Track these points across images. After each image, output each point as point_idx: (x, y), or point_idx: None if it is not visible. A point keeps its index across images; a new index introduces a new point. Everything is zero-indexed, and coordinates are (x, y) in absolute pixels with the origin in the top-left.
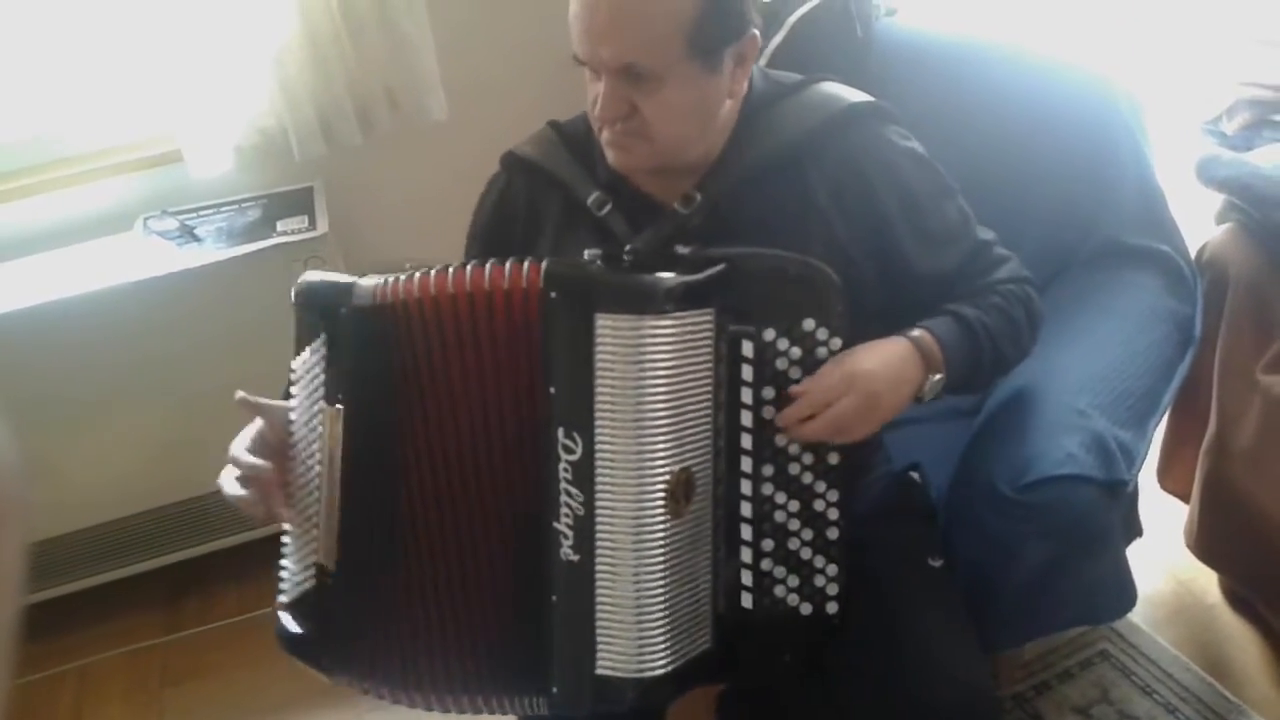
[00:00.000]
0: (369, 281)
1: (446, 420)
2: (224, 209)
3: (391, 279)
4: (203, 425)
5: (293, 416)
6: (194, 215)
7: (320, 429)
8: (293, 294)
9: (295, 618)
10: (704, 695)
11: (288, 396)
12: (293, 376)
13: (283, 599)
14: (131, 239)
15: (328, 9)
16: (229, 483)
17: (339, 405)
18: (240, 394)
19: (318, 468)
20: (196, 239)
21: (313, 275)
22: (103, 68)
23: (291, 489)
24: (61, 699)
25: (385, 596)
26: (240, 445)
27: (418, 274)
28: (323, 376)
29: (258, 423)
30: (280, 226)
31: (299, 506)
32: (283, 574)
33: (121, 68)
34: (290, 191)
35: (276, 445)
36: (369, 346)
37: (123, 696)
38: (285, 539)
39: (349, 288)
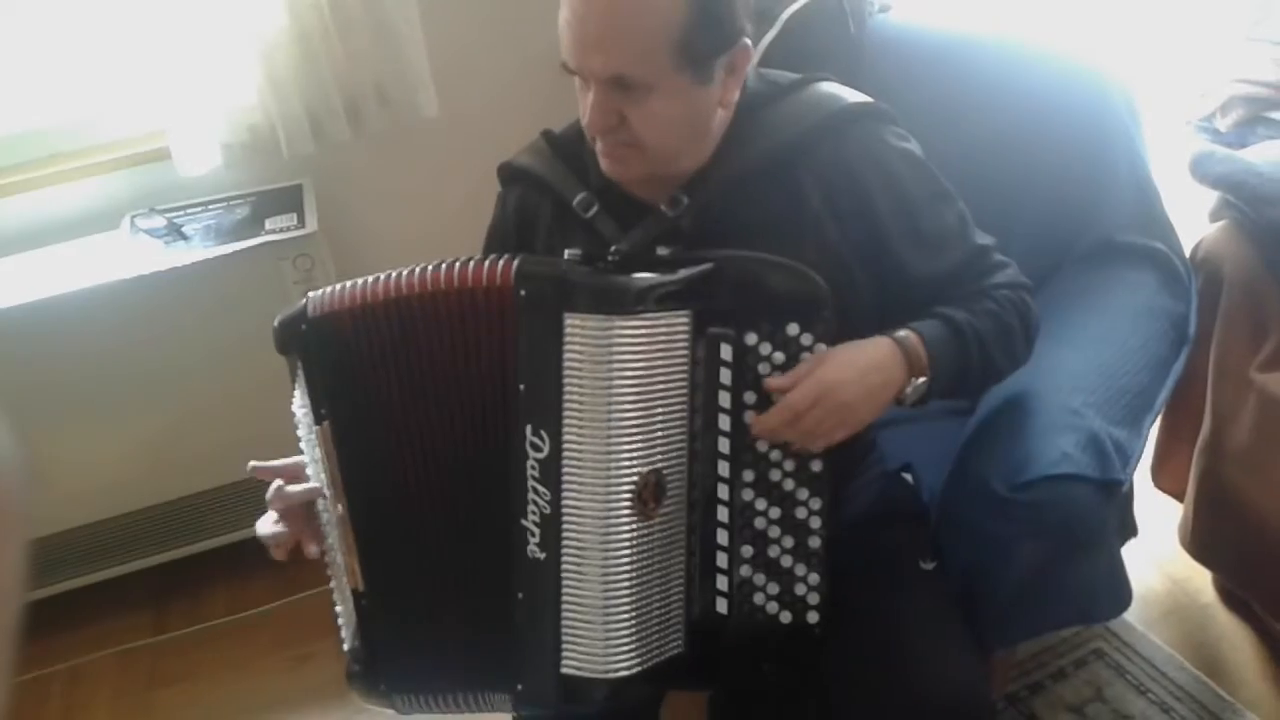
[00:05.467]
0: (318, 293)
1: (429, 415)
2: (212, 207)
3: (341, 286)
4: (191, 424)
5: (305, 459)
6: (182, 213)
7: (319, 453)
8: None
9: (358, 657)
10: (696, 699)
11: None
12: (295, 421)
13: (345, 644)
14: (119, 237)
15: (316, 4)
16: (265, 525)
17: (325, 421)
18: (252, 463)
19: (327, 491)
20: (184, 237)
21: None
22: (90, 64)
23: (325, 527)
24: (50, 700)
25: (408, 602)
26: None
27: (383, 276)
28: (309, 404)
29: (277, 481)
30: (269, 224)
31: (329, 542)
32: (340, 619)
33: (109, 64)
34: (279, 189)
35: (302, 495)
36: (332, 355)
37: (111, 697)
38: (333, 582)
39: (304, 303)
